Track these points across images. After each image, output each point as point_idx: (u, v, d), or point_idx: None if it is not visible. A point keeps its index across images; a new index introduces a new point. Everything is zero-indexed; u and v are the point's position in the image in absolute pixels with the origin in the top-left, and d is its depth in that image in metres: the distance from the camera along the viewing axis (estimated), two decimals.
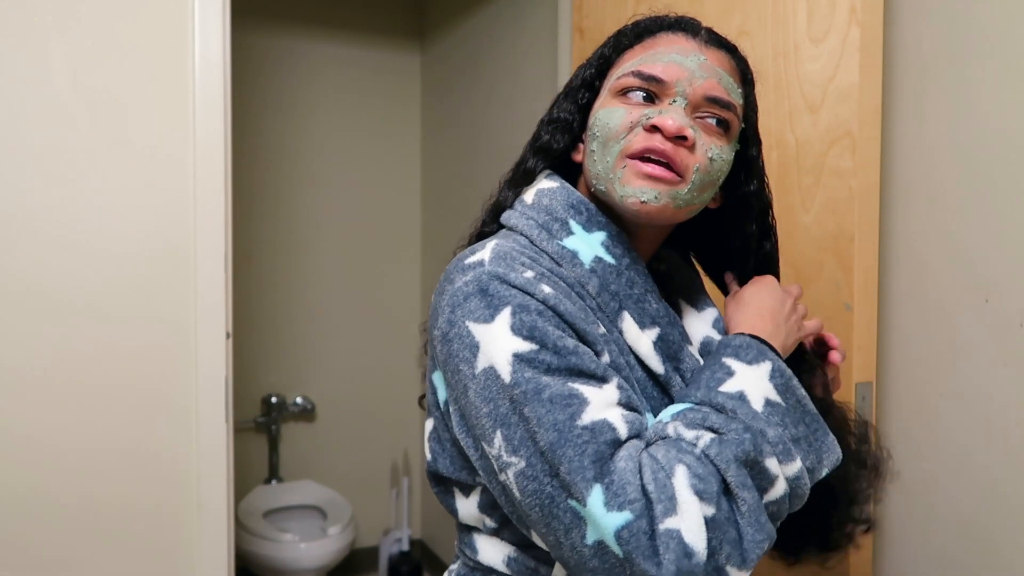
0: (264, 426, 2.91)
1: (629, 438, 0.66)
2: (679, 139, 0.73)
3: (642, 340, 0.76)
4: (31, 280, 1.42)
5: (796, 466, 0.69)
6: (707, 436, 0.67)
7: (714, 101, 0.76)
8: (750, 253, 0.87)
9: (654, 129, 0.74)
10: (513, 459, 0.66)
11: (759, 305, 0.80)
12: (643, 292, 0.78)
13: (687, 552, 0.61)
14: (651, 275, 0.89)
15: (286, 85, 2.91)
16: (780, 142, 1.27)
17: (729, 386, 0.70)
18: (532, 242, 0.78)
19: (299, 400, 2.97)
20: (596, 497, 0.62)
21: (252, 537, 2.45)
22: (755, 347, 0.73)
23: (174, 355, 1.51)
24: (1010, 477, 1.09)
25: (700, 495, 0.63)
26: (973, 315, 1.13)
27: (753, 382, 0.71)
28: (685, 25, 0.80)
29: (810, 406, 0.73)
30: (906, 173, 1.24)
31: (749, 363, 0.72)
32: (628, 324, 0.76)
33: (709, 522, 0.62)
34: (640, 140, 0.74)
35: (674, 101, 0.75)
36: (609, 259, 0.77)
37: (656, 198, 0.74)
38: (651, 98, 0.76)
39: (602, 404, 0.66)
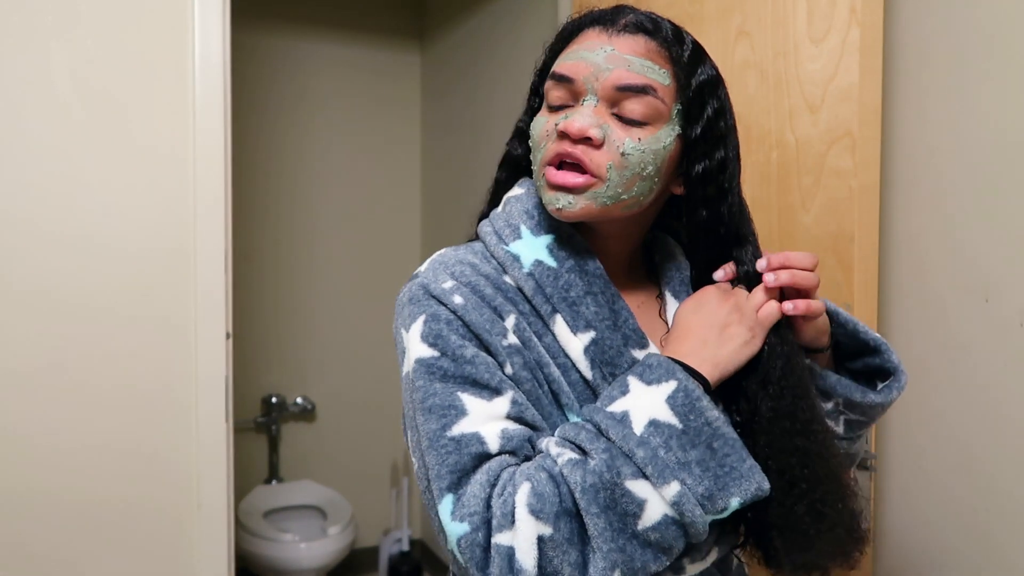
0: (264, 426, 2.91)
1: (500, 453, 0.69)
2: (585, 140, 0.73)
3: (572, 344, 0.76)
4: (32, 281, 1.42)
5: (673, 489, 0.65)
6: (568, 454, 0.67)
7: (625, 89, 0.73)
8: (699, 242, 0.81)
9: (563, 135, 0.74)
10: (413, 458, 0.74)
11: (684, 327, 0.77)
12: (581, 295, 0.77)
13: (515, 568, 0.64)
14: (643, 267, 0.89)
15: (286, 85, 2.91)
16: (780, 142, 1.27)
17: (617, 405, 0.69)
18: (487, 247, 0.81)
19: (299, 400, 2.97)
20: (446, 506, 0.67)
21: (252, 537, 2.45)
22: (664, 367, 0.70)
23: (174, 355, 1.51)
24: (1010, 477, 1.09)
25: (536, 515, 0.64)
26: (973, 315, 1.13)
27: (643, 402, 0.68)
28: (602, 18, 0.77)
29: (723, 430, 0.68)
30: (906, 173, 1.24)
31: (649, 383, 0.69)
32: (560, 327, 0.77)
33: (544, 541, 0.64)
34: (553, 147, 0.75)
35: (584, 101, 0.75)
36: (550, 262, 0.77)
37: (571, 203, 0.74)
38: (574, 101, 0.76)
39: (482, 417, 0.70)
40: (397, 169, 3.14)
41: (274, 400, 2.92)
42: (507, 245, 0.79)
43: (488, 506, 0.66)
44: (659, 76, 0.74)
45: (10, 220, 1.40)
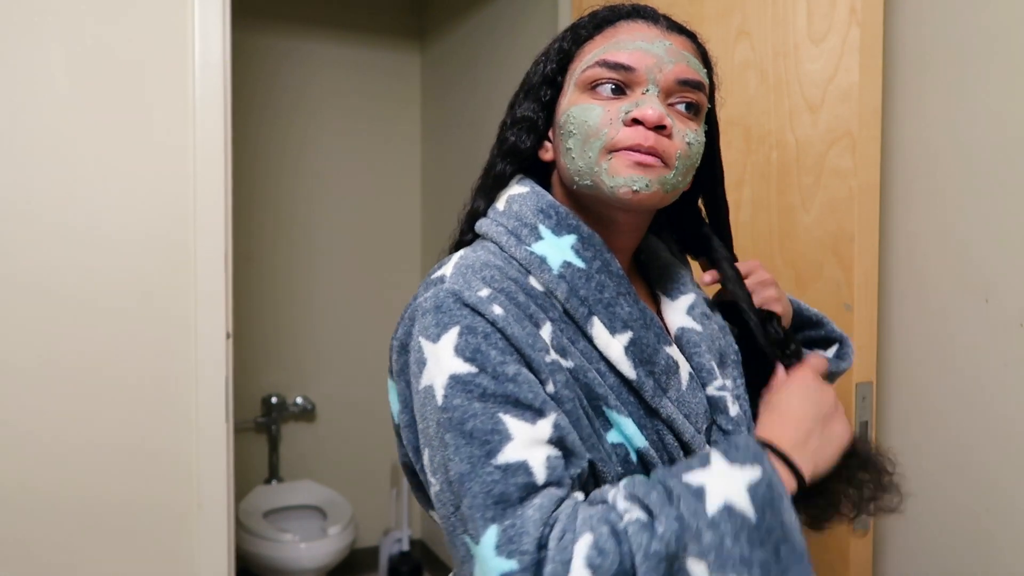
0: (264, 426, 2.91)
1: (547, 484, 0.64)
2: (659, 128, 0.73)
3: (613, 345, 0.74)
4: (33, 282, 1.42)
5: None
6: (637, 513, 0.63)
7: (686, 83, 0.76)
8: (720, 228, 0.90)
9: (634, 122, 0.73)
10: (432, 480, 0.68)
11: (790, 412, 0.73)
12: (615, 296, 0.76)
13: None
14: (636, 268, 0.89)
15: (286, 85, 2.91)
16: (780, 142, 1.27)
17: (693, 477, 0.65)
18: (502, 249, 0.77)
19: (299, 400, 2.97)
20: (489, 538, 0.61)
21: (252, 537, 2.45)
22: (752, 450, 0.66)
23: (174, 355, 1.51)
24: (1010, 477, 1.09)
25: (594, 569, 0.59)
26: (973, 315, 1.13)
27: (722, 483, 0.64)
28: (644, 12, 0.79)
29: (795, 537, 0.64)
30: (906, 173, 1.24)
31: (732, 463, 0.65)
32: (598, 330, 0.75)
33: None
34: (625, 136, 0.73)
35: (647, 90, 0.74)
36: (579, 263, 0.76)
37: (647, 185, 0.73)
38: (621, 90, 0.75)
39: (527, 442, 0.64)
40: (397, 169, 3.14)
41: (274, 400, 2.92)
42: (529, 246, 0.76)
43: (540, 547, 0.61)
44: (704, 76, 0.79)
45: (10, 221, 1.40)
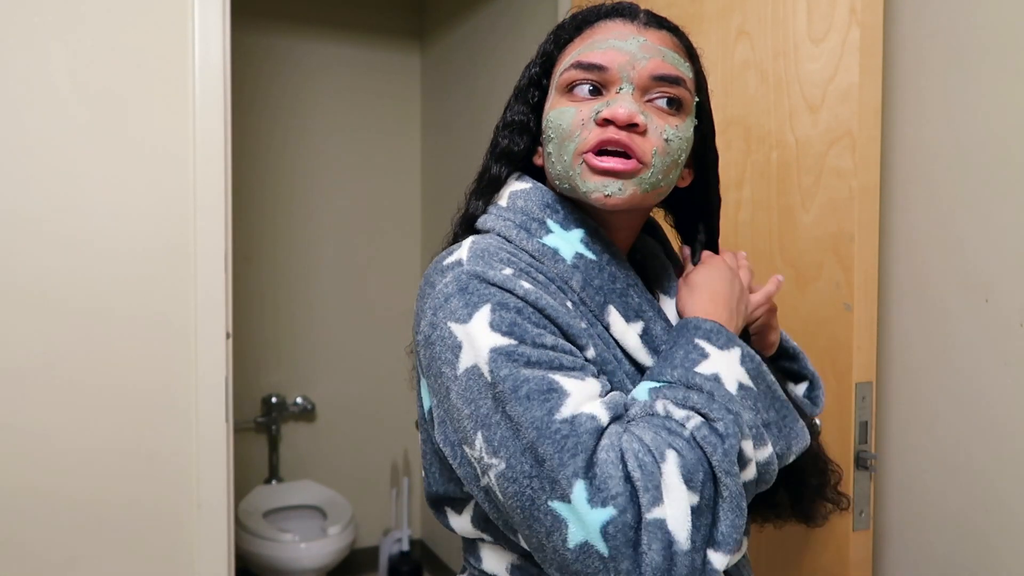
0: (264, 426, 2.91)
1: (610, 423, 0.65)
2: (631, 126, 0.72)
3: (629, 334, 0.76)
4: (31, 281, 1.42)
5: (767, 451, 0.69)
6: (696, 418, 0.65)
7: (662, 79, 0.75)
8: (714, 225, 0.91)
9: (606, 122, 0.73)
10: (494, 460, 0.64)
11: (712, 291, 0.78)
12: (625, 287, 0.78)
13: (671, 543, 0.60)
14: (633, 267, 0.89)
15: (286, 85, 2.91)
16: (780, 142, 1.27)
17: (705, 367, 0.69)
18: (510, 242, 0.77)
19: (299, 400, 2.97)
20: (579, 493, 0.60)
21: (252, 537, 2.45)
22: (725, 333, 0.72)
23: (174, 355, 1.51)
24: (1009, 477, 1.09)
25: (688, 484, 0.62)
26: (973, 315, 1.13)
27: (726, 366, 0.70)
28: (622, 10, 0.79)
29: (779, 392, 0.73)
30: (906, 173, 1.24)
31: (721, 348, 0.71)
32: (614, 318, 0.76)
33: (694, 511, 0.62)
34: (595, 135, 0.73)
35: (620, 89, 0.74)
36: (590, 255, 0.77)
37: (621, 189, 0.73)
38: (598, 90, 0.75)
39: (583, 397, 0.65)
40: (397, 169, 3.14)
41: (274, 400, 2.92)
42: (540, 239, 0.77)
43: (628, 481, 0.61)
44: (685, 69, 0.78)
45: (10, 220, 1.40)
